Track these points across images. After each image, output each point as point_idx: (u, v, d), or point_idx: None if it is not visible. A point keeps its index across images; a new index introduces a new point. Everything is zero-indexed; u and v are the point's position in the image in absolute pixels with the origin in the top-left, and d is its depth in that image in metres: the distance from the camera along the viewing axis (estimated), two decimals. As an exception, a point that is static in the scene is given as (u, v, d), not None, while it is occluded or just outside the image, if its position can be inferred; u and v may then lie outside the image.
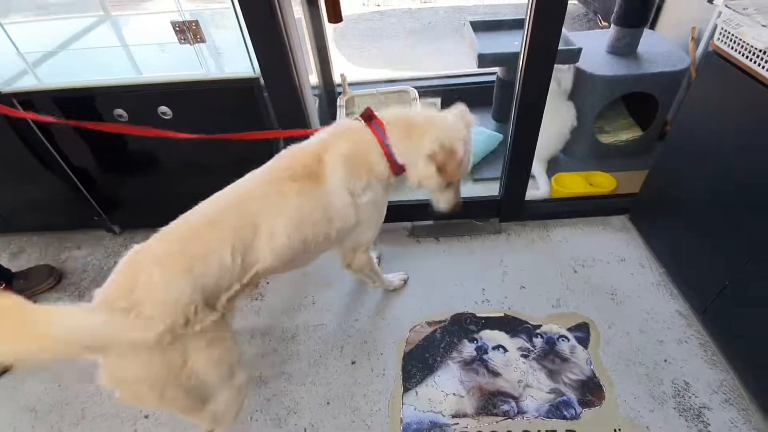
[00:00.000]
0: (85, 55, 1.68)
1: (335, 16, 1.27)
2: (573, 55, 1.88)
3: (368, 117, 1.20)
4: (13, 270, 1.74)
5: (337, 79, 2.51)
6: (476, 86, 2.59)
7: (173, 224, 1.02)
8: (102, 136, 1.64)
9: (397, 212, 1.98)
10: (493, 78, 2.43)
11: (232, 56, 1.51)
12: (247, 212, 1.03)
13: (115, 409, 1.41)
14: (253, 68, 1.45)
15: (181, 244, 0.96)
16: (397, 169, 1.21)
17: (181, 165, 1.74)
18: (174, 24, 1.33)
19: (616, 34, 2.00)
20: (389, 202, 1.99)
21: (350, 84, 2.48)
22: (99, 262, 1.89)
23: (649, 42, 2.03)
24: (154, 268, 0.91)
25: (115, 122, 1.56)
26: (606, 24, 3.43)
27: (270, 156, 1.68)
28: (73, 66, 1.66)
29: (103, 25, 1.79)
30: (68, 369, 1.53)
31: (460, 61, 3.54)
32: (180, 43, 1.37)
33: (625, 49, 2.00)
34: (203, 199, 1.22)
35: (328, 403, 1.40)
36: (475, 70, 2.66)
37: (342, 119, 1.19)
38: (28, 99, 1.54)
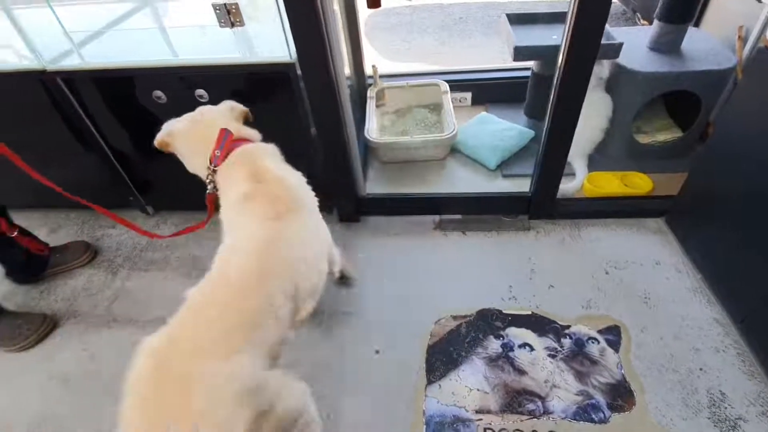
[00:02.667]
0: (127, 37, 1.72)
1: (374, 1, 1.26)
2: (614, 50, 1.82)
3: (230, 145, 1.16)
4: (52, 245, 1.81)
5: (368, 71, 2.51)
6: (508, 81, 2.54)
7: (200, 301, 0.89)
8: (140, 120, 1.69)
9: (425, 205, 1.97)
10: (524, 74, 2.38)
11: (268, 40, 1.52)
12: (281, 257, 0.97)
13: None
14: (290, 53, 1.46)
15: (225, 320, 0.84)
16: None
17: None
18: (215, 6, 1.35)
19: (660, 30, 1.92)
20: (417, 193, 1.99)
21: (381, 76, 2.48)
22: (132, 241, 1.94)
23: (693, 39, 1.95)
24: (208, 364, 0.78)
25: (154, 103, 1.59)
26: (645, 22, 3.32)
27: (304, 134, 1.68)
28: (114, 47, 1.70)
29: (146, 8, 1.83)
30: (101, 342, 1.58)
31: (491, 56, 3.49)
32: (220, 26, 1.39)
33: (668, 45, 1.92)
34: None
35: (350, 390, 1.40)
36: (507, 65, 2.63)
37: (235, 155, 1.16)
38: (71, 78, 1.59)
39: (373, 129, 2.19)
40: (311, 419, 0.97)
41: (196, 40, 1.68)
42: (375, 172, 2.18)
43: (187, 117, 1.23)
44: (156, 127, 1.22)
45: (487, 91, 2.57)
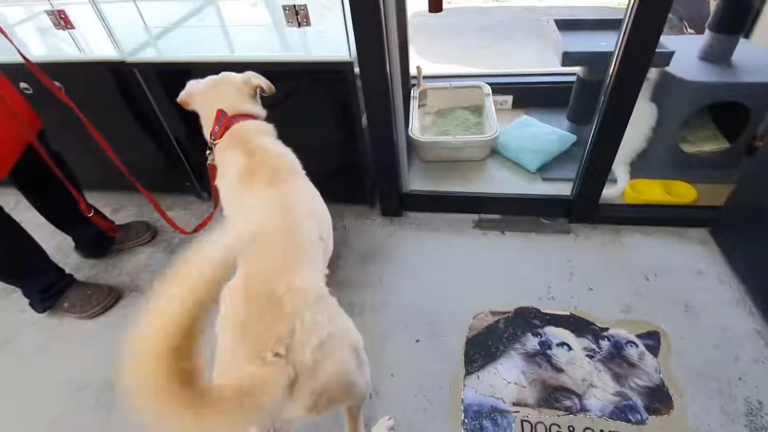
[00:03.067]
0: (196, 33, 1.84)
1: (436, 4, 1.33)
2: (664, 58, 1.83)
3: (227, 123, 1.26)
4: (116, 223, 1.95)
5: (412, 71, 2.57)
6: (549, 86, 2.56)
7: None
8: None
9: (465, 203, 2.02)
10: (566, 79, 2.40)
11: (328, 40, 1.60)
12: (299, 208, 1.10)
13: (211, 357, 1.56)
14: (350, 52, 1.53)
15: (282, 254, 0.98)
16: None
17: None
18: (285, 7, 1.44)
19: (711, 40, 1.92)
20: (457, 191, 2.04)
21: (424, 77, 2.54)
22: (189, 223, 2.07)
23: (743, 51, 1.94)
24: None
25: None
26: (692, 31, 3.26)
27: (355, 129, 1.75)
28: (184, 42, 1.82)
29: (210, 6, 1.95)
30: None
31: (530, 60, 3.50)
32: (287, 25, 1.48)
33: (719, 56, 1.92)
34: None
35: (392, 375, 1.47)
36: (549, 69, 2.66)
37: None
38: (146, 69, 1.71)
39: (415, 128, 2.26)
40: (365, 358, 1.05)
41: (257, 38, 1.78)
42: (417, 169, 2.24)
43: (208, 79, 1.35)
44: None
45: (528, 95, 2.60)
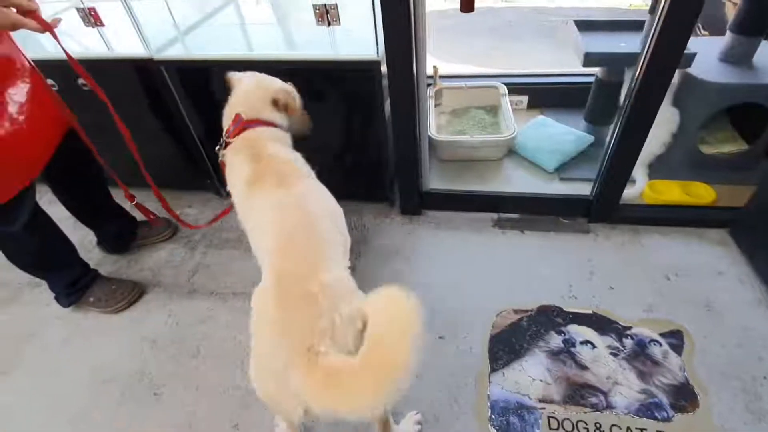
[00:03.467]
0: (219, 31, 1.85)
1: (468, 4, 1.34)
2: (687, 60, 1.84)
3: (243, 126, 1.30)
4: (138, 220, 1.96)
5: (428, 71, 2.58)
6: (564, 86, 2.57)
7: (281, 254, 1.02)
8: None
9: (484, 202, 2.03)
10: (581, 80, 2.41)
11: (355, 38, 1.61)
12: (314, 205, 1.13)
13: (224, 351, 1.57)
14: (377, 51, 1.54)
15: (308, 250, 1.02)
16: None
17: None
18: (315, 6, 1.45)
19: (732, 42, 1.93)
20: (477, 190, 2.05)
21: (439, 77, 2.55)
22: (207, 220, 2.06)
23: (764, 53, 1.95)
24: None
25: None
26: (706, 33, 3.26)
27: (377, 128, 1.76)
28: (208, 40, 1.83)
29: (232, 4, 1.95)
30: (184, 310, 1.72)
31: (541, 60, 3.51)
32: (317, 24, 1.48)
33: (740, 57, 1.93)
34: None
35: (416, 371, 1.47)
36: (564, 69, 2.66)
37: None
38: (172, 67, 1.71)
39: (432, 127, 2.26)
40: None
41: (285, 36, 1.79)
42: (433, 168, 2.25)
43: (250, 75, 1.40)
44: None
45: (544, 95, 2.60)
